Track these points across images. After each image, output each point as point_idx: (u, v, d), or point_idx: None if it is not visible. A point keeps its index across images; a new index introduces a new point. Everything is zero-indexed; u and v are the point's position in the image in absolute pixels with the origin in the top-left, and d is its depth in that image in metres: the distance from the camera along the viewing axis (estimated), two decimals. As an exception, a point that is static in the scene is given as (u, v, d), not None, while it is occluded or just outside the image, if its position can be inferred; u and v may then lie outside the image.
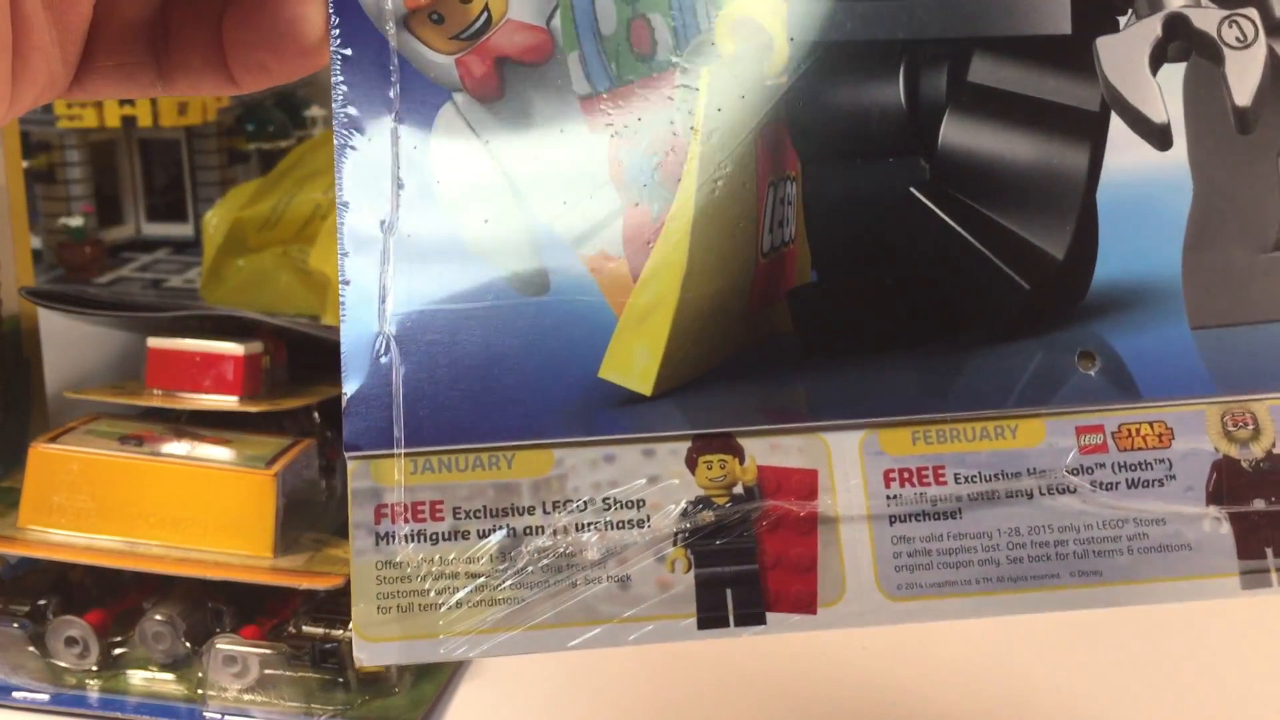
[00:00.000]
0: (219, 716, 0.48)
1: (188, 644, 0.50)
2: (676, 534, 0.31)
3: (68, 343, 0.66)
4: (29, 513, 0.52)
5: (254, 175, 1.06)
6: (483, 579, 0.30)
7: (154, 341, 0.59)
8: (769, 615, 0.31)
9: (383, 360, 0.31)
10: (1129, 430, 0.33)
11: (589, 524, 0.31)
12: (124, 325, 0.65)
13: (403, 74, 0.33)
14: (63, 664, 0.50)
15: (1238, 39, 0.34)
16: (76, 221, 0.99)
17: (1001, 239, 0.33)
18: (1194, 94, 0.34)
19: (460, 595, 0.30)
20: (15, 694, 0.49)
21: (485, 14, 0.34)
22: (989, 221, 0.33)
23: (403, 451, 0.31)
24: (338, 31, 0.33)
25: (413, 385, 0.31)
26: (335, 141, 0.32)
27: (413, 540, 0.30)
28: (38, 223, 0.97)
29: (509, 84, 0.34)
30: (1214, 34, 0.34)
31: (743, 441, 0.32)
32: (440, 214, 0.32)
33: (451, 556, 0.30)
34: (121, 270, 1.02)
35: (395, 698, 0.48)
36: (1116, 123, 0.34)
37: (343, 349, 0.31)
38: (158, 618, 0.50)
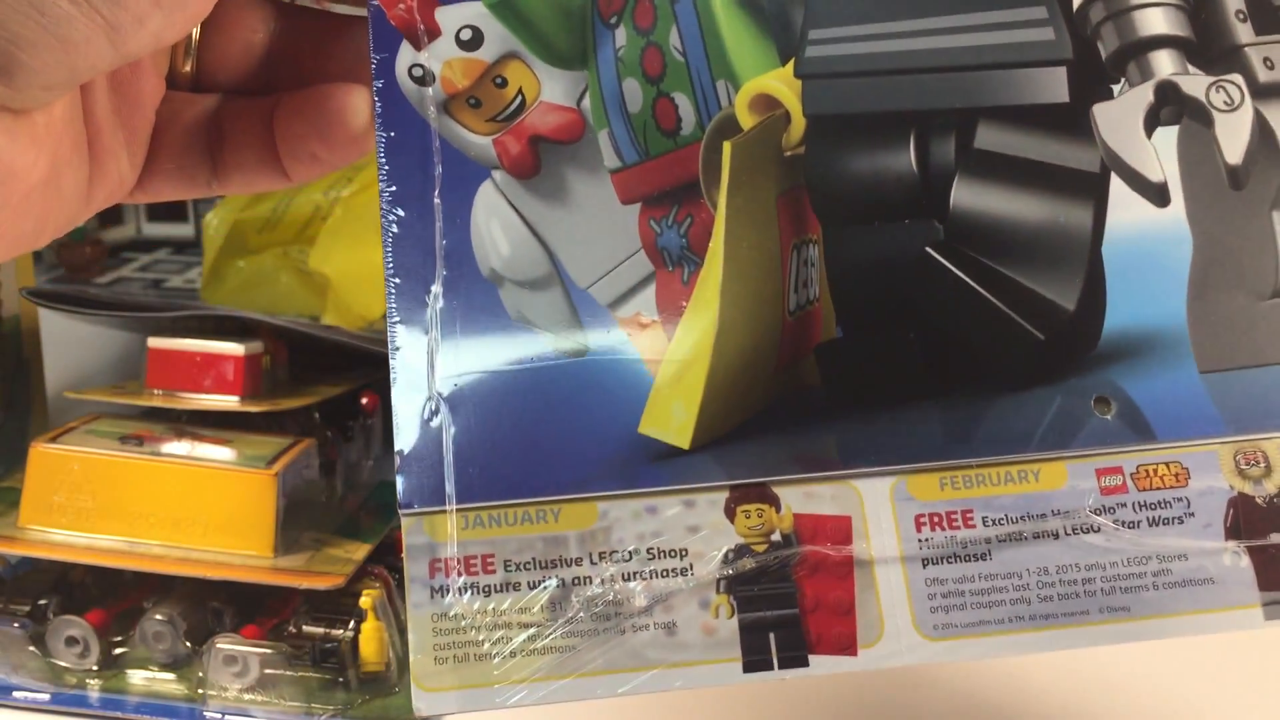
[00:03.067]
0: (219, 716, 0.48)
1: (188, 644, 0.50)
2: (719, 581, 0.32)
3: (68, 343, 0.65)
4: (29, 512, 0.52)
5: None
6: (535, 629, 0.31)
7: (154, 341, 0.59)
8: (811, 657, 0.32)
9: (433, 422, 0.32)
10: (1147, 471, 0.34)
11: (635, 573, 0.32)
12: (124, 325, 0.65)
13: (444, 154, 0.35)
14: (63, 664, 0.50)
15: (1225, 103, 0.36)
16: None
17: (1015, 293, 0.35)
18: (1188, 154, 0.37)
19: (514, 645, 0.31)
20: (15, 694, 0.49)
21: (519, 97, 0.36)
22: (1002, 277, 0.35)
23: (454, 508, 0.32)
24: (381, 117, 0.35)
25: (462, 445, 0.32)
26: (382, 218, 0.34)
27: (466, 593, 0.31)
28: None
29: (545, 161, 0.35)
30: (1203, 99, 0.36)
31: (778, 490, 0.33)
32: (482, 284, 0.34)
33: (505, 607, 0.31)
34: (121, 270, 1.01)
35: (396, 697, 0.48)
36: (1117, 182, 0.36)
37: (394, 412, 0.32)
38: (158, 617, 0.50)
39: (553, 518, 0.32)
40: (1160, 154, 0.36)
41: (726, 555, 0.32)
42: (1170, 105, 0.37)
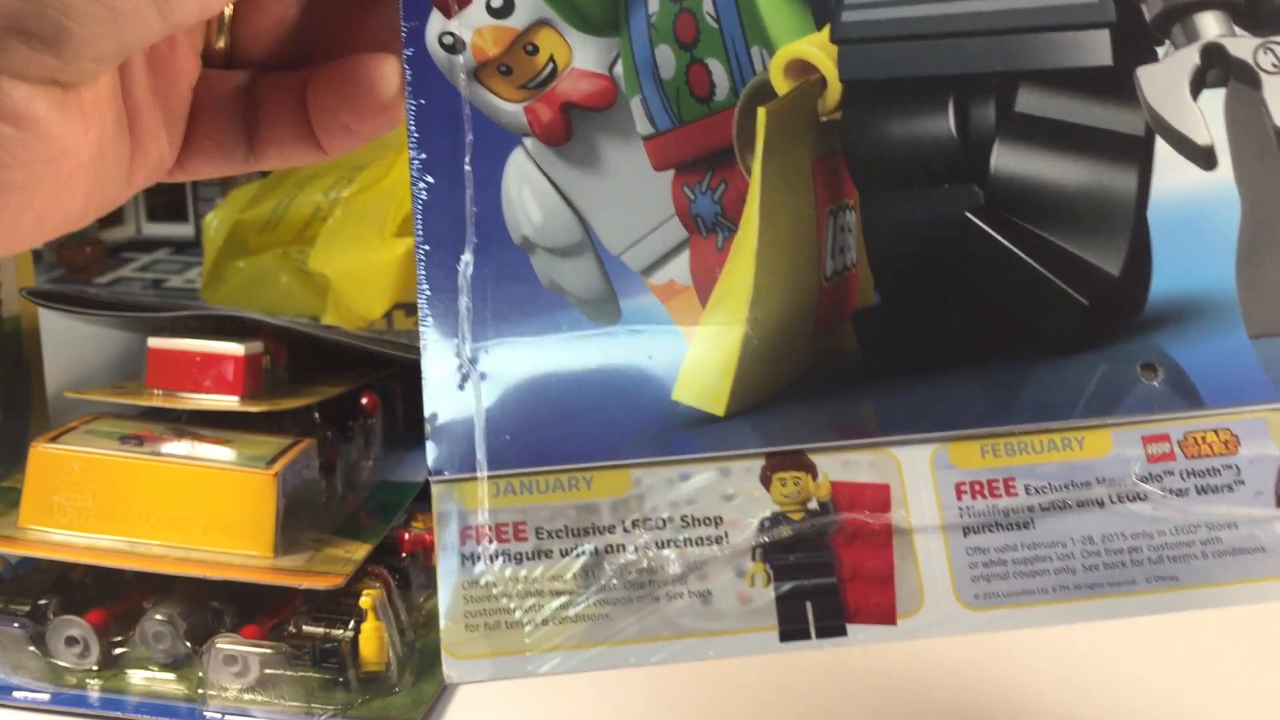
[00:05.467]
0: (219, 716, 0.48)
1: (188, 644, 0.50)
2: (755, 549, 0.32)
3: (68, 343, 0.65)
4: (29, 512, 0.52)
5: (254, 177, 1.04)
6: (567, 596, 0.31)
7: (154, 341, 0.59)
8: (849, 627, 0.31)
9: (464, 389, 0.32)
10: (1195, 438, 0.33)
11: (668, 541, 0.31)
12: (124, 325, 0.65)
13: (475, 121, 0.34)
14: (63, 664, 0.50)
15: (1274, 64, 0.36)
16: None
17: (1058, 258, 0.34)
18: (1235, 116, 0.36)
19: (546, 613, 0.31)
20: (15, 694, 0.49)
21: (551, 64, 0.36)
22: (1044, 242, 0.34)
23: (485, 475, 0.31)
24: (411, 85, 0.35)
25: (494, 411, 0.32)
26: (412, 186, 0.34)
27: (498, 560, 0.31)
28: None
29: (576, 128, 0.35)
30: (1250, 61, 0.35)
31: (815, 458, 0.32)
32: (513, 251, 0.33)
33: (537, 575, 0.31)
34: (121, 270, 1.02)
35: (396, 697, 0.48)
36: (1162, 146, 0.35)
37: (425, 378, 0.32)
38: (158, 617, 0.50)
39: (585, 485, 0.32)
40: (1207, 117, 0.35)
41: (763, 523, 0.32)
42: (1217, 68, 0.36)
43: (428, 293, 0.33)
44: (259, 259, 0.90)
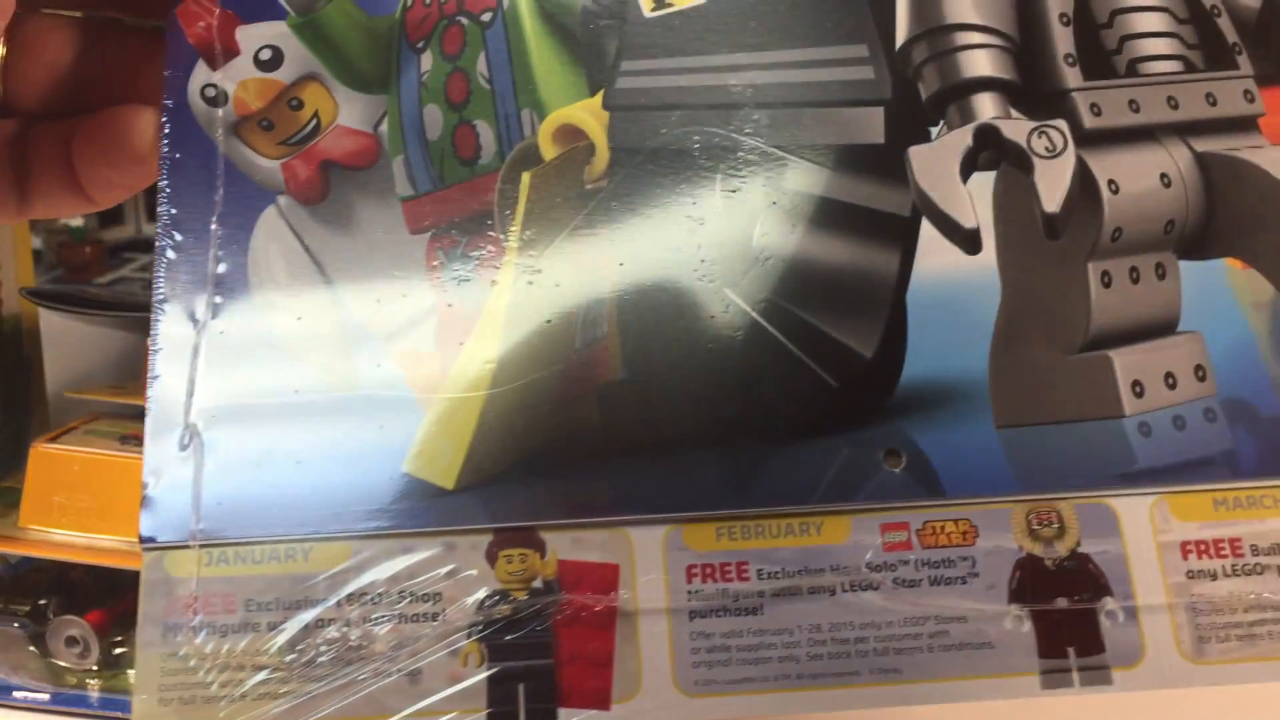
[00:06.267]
0: None
1: None
2: (470, 627, 0.31)
3: (68, 343, 0.65)
4: (29, 512, 0.52)
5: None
6: (268, 671, 0.30)
7: None
8: (560, 711, 0.31)
9: (184, 455, 0.31)
10: (934, 528, 0.33)
11: (382, 616, 0.31)
12: (124, 325, 0.65)
13: (228, 178, 0.34)
14: (63, 664, 0.50)
15: (1047, 148, 0.35)
16: (76, 222, 0.98)
17: (810, 337, 0.34)
18: (1004, 201, 0.35)
19: (245, 688, 0.30)
20: (15, 694, 0.49)
21: (315, 120, 0.35)
22: (799, 320, 0.34)
23: (198, 544, 0.31)
24: (167, 138, 0.34)
25: (214, 478, 0.31)
26: (156, 241, 0.33)
27: (200, 633, 0.30)
28: (38, 223, 0.96)
29: (334, 187, 0.35)
30: (1024, 144, 0.35)
31: (545, 535, 0.32)
32: (254, 312, 0.33)
33: (240, 649, 0.30)
34: (121, 270, 1.01)
35: None
36: (927, 227, 0.35)
37: (145, 444, 0.31)
38: None
39: (303, 557, 0.31)
40: (975, 200, 0.35)
41: (482, 601, 0.31)
42: (990, 150, 0.36)
43: (159, 354, 0.32)
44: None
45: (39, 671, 0.50)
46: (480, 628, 0.31)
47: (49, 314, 0.65)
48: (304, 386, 0.32)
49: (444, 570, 0.31)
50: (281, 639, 0.30)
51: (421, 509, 0.32)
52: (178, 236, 0.33)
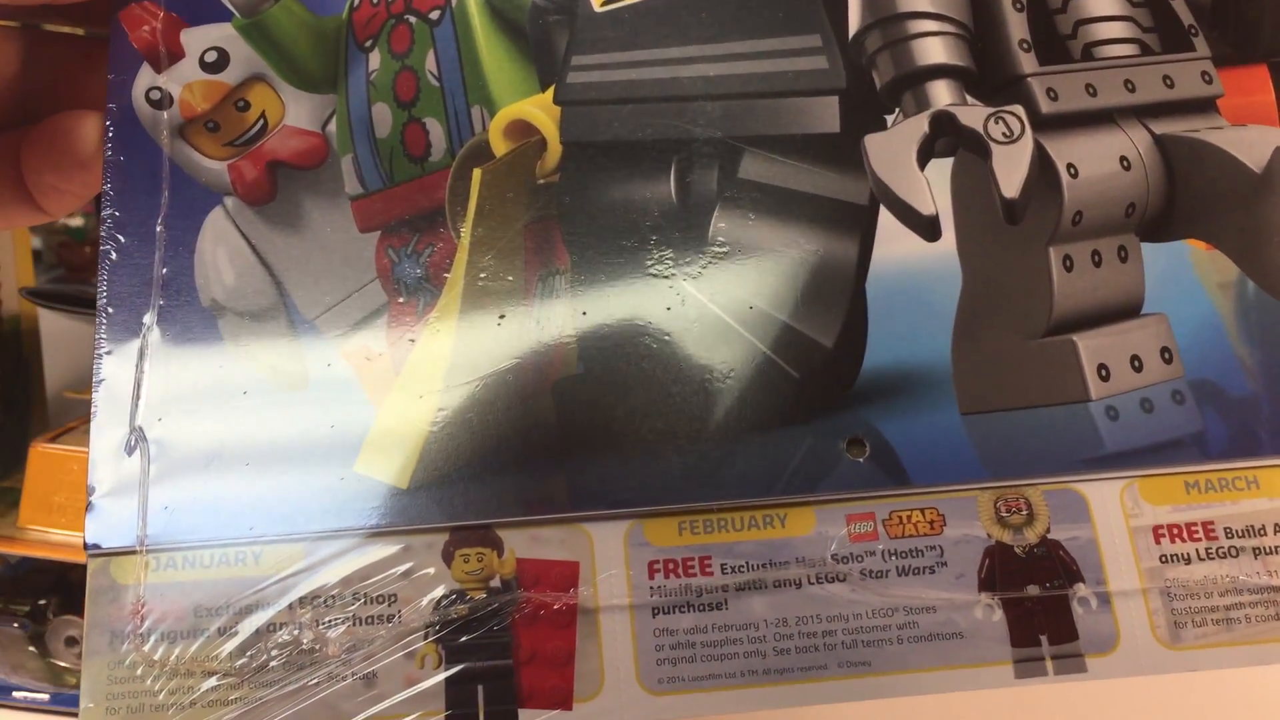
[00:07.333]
0: None
1: None
2: (427, 628, 0.30)
3: (68, 343, 0.66)
4: (29, 512, 0.52)
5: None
6: (218, 678, 0.29)
7: None
8: (521, 712, 0.30)
9: (130, 459, 0.31)
10: (900, 517, 0.32)
11: (335, 619, 0.30)
12: None
13: (173, 180, 0.33)
14: (63, 664, 0.50)
15: (1004, 134, 0.35)
16: (76, 221, 0.98)
17: (770, 329, 0.33)
18: (962, 187, 0.35)
19: (195, 695, 0.29)
20: (15, 694, 0.49)
21: (261, 121, 0.35)
22: (758, 312, 0.34)
23: (145, 549, 0.30)
24: (111, 142, 0.33)
25: (160, 483, 0.30)
26: (100, 245, 0.32)
27: (149, 639, 0.29)
28: (37, 224, 0.96)
29: (281, 188, 0.34)
30: (981, 130, 0.35)
31: (502, 534, 0.31)
32: (200, 314, 0.32)
33: (189, 655, 0.29)
34: None
35: None
36: (885, 215, 0.34)
37: (91, 448, 0.31)
38: None
39: (253, 560, 0.30)
40: (933, 187, 0.34)
41: (438, 602, 0.30)
42: (946, 136, 0.35)
43: (106, 357, 0.31)
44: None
45: (39, 671, 0.50)
46: (437, 628, 0.30)
47: (49, 314, 0.65)
48: (252, 388, 0.32)
49: (399, 570, 0.30)
50: (232, 644, 0.29)
51: (375, 509, 0.31)
52: (122, 239, 0.33)
